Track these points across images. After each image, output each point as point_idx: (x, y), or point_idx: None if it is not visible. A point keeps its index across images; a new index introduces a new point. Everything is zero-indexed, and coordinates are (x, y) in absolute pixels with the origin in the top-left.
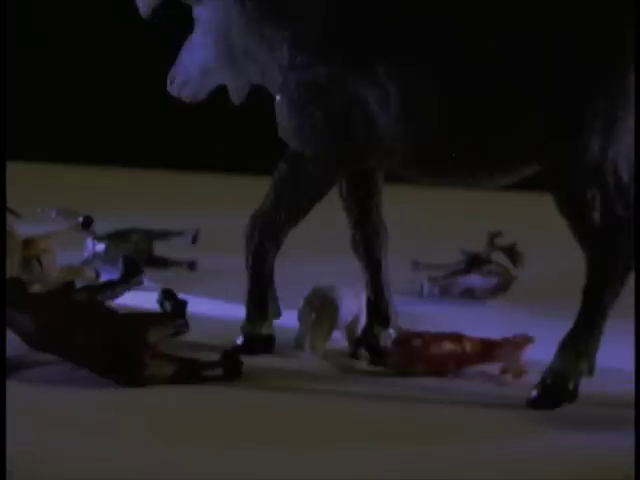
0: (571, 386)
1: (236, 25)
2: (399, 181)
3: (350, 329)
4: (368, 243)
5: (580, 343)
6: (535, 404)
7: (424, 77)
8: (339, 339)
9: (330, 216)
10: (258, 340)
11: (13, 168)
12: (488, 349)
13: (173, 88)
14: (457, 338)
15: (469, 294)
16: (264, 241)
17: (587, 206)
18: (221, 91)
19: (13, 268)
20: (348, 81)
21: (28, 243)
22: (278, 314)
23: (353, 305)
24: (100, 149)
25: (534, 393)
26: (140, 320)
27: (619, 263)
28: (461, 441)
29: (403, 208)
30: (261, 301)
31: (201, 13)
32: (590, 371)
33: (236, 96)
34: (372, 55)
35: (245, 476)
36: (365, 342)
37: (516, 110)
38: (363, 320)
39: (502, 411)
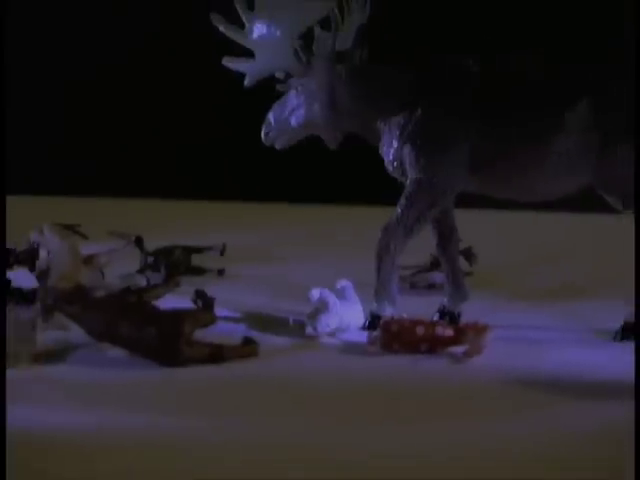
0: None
1: (343, 93)
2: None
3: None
4: (444, 243)
5: None
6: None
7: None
8: (349, 325)
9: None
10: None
11: (92, 203)
12: (456, 334)
13: (268, 139)
14: (431, 325)
15: (432, 287)
16: (389, 245)
17: None
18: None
19: (80, 279)
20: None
21: (91, 258)
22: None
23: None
24: (144, 185)
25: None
26: (177, 314)
27: None
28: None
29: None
30: (385, 289)
31: (304, 82)
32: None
33: (333, 143)
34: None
35: (264, 440)
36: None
37: None
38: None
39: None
